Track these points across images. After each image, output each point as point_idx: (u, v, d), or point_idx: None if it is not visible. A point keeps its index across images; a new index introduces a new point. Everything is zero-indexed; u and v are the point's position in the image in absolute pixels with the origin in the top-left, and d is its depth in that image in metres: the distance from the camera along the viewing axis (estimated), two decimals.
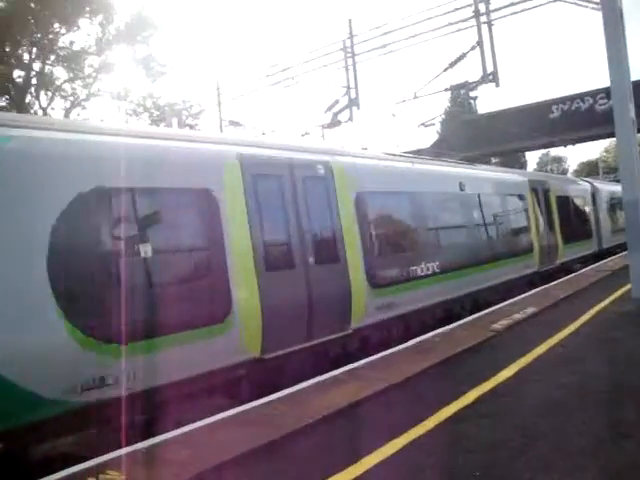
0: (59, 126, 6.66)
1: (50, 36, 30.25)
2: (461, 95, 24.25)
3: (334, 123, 20.18)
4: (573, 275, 17.09)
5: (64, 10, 28.39)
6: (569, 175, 67.96)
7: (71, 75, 32.59)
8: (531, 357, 7.86)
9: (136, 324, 6.13)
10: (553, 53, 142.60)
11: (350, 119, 19.87)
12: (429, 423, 5.60)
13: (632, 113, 11.97)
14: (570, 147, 33.10)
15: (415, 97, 19.41)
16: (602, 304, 11.41)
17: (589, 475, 4.33)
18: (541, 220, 17.35)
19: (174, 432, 5.68)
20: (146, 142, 7.14)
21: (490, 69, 16.92)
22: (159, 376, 6.35)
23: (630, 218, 11.82)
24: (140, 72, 34.20)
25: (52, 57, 31.22)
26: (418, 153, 20.63)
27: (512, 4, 16.95)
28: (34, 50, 30.37)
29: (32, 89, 31.10)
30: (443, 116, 50.12)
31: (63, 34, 31.05)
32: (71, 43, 31.54)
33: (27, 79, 30.51)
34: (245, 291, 7.49)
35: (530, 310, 11.25)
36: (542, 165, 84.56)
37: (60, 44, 31.27)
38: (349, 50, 19.72)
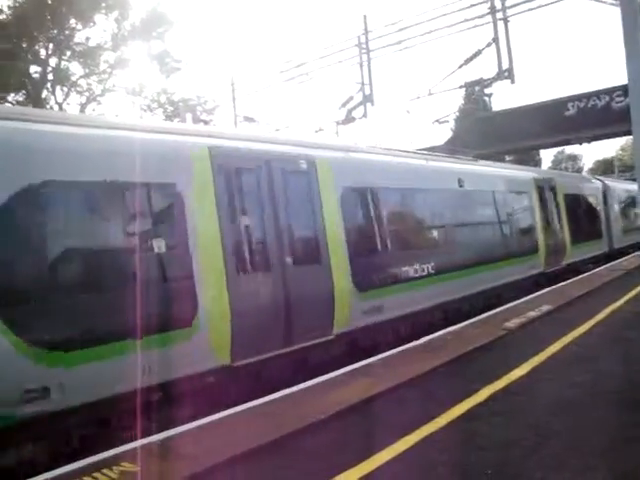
0: None
1: (66, 32, 30.52)
2: (476, 92, 24.06)
3: (348, 119, 20.21)
4: (587, 274, 16.93)
5: (80, 6, 28.57)
6: (584, 173, 67.36)
7: (87, 71, 32.88)
8: (544, 356, 7.81)
9: (84, 330, 5.76)
10: (569, 50, 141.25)
11: (364, 115, 19.91)
12: (441, 420, 5.59)
13: None
14: (585, 145, 32.75)
15: (430, 94, 19.42)
16: (617, 303, 11.32)
17: (601, 475, 4.31)
18: (547, 219, 16.80)
19: (187, 426, 5.72)
20: (95, 132, 6.59)
21: (505, 66, 16.86)
22: (111, 386, 5.91)
23: None
24: (155, 68, 34.47)
25: (68, 53, 31.51)
26: (432, 150, 20.50)
27: (528, 0, 16.84)
28: (50, 46, 30.67)
29: (48, 84, 31.39)
30: (457, 113, 49.85)
31: (79, 30, 31.36)
32: (87, 39, 31.89)
33: (43, 74, 30.81)
34: (213, 294, 6.98)
35: (545, 308, 11.18)
36: (557, 163, 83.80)
37: (76, 40, 31.57)
38: (364, 46, 19.74)
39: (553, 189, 17.68)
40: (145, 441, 5.36)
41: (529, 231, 15.73)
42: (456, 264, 11.82)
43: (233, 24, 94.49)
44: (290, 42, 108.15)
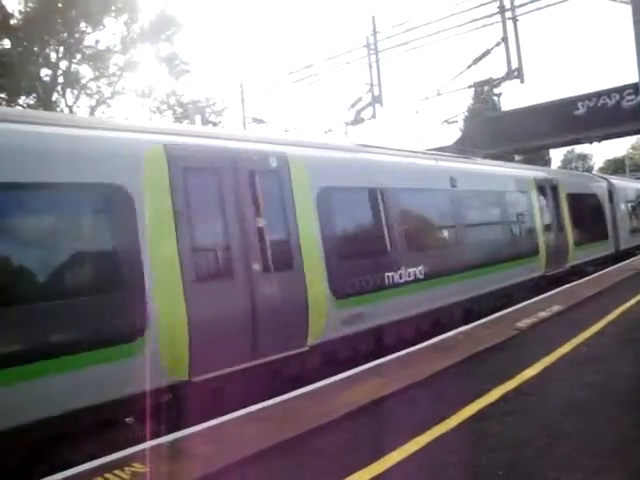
0: None
1: (76, 35, 30.74)
2: (485, 92, 24.02)
3: (357, 120, 20.22)
4: (598, 274, 16.80)
5: (90, 9, 28.78)
6: (594, 172, 66.99)
7: (96, 73, 33.11)
8: (555, 356, 7.78)
9: (11, 345, 5.28)
10: (579, 48, 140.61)
11: (373, 116, 19.89)
12: (452, 421, 5.59)
13: None
14: (596, 144, 32.61)
15: (438, 94, 19.38)
16: (627, 304, 11.25)
17: (614, 476, 4.30)
18: (548, 220, 16.10)
19: (198, 427, 5.75)
20: (25, 128, 5.92)
21: (515, 65, 16.80)
22: (44, 408, 5.39)
23: None
24: (164, 70, 34.64)
25: (78, 56, 31.73)
26: (441, 150, 20.49)
27: None
28: (61, 49, 30.88)
29: (59, 87, 31.62)
30: (466, 113, 49.76)
31: (89, 33, 31.59)
32: (96, 42, 32.11)
33: (54, 78, 31.04)
34: (167, 304, 6.38)
35: (555, 308, 11.14)
36: (567, 162, 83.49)
37: (86, 43, 31.79)
38: (372, 47, 19.72)
39: (555, 188, 17.06)
40: (157, 442, 5.39)
41: (528, 232, 15.01)
42: (448, 268, 11.13)
43: (242, 25, 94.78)
44: (299, 43, 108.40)
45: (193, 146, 7.33)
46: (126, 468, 4.82)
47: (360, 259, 9.25)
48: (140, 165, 6.54)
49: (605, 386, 6.42)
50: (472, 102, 52.97)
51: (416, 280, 10.11)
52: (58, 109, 30.31)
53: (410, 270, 10.00)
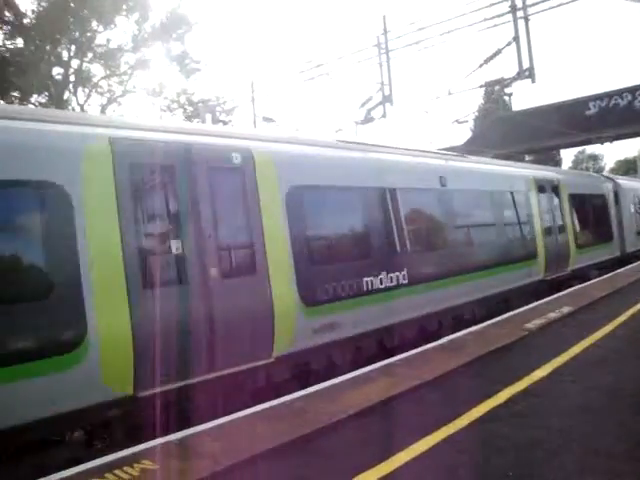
0: None
1: (88, 34, 30.84)
2: (496, 91, 23.92)
3: (368, 119, 20.19)
4: (609, 275, 16.69)
5: (101, 8, 28.91)
6: (605, 173, 66.53)
7: (107, 72, 33.22)
8: (565, 357, 7.75)
9: None
10: (591, 48, 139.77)
11: (384, 115, 19.86)
12: (461, 421, 5.57)
13: None
14: (607, 144, 32.44)
15: (449, 94, 19.32)
16: (638, 306, 11.18)
17: (624, 479, 4.27)
18: (548, 221, 15.40)
19: (206, 425, 5.75)
20: None
21: (526, 65, 16.72)
22: None
23: None
24: (174, 69, 34.71)
25: (90, 54, 31.84)
26: (451, 150, 20.43)
27: None
28: (72, 48, 31.02)
29: (70, 86, 31.77)
30: (477, 113, 49.67)
31: (100, 32, 31.66)
32: (108, 41, 32.16)
33: (65, 76, 31.18)
34: (109, 312, 5.86)
35: (566, 309, 11.09)
36: (577, 163, 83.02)
37: (97, 42, 31.91)
38: (383, 46, 19.70)
39: (556, 189, 16.42)
40: (166, 439, 5.40)
41: (526, 234, 14.28)
42: (435, 272, 10.48)
43: (253, 24, 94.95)
44: (310, 43, 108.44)
45: (144, 140, 6.70)
46: (135, 465, 4.84)
47: (335, 263, 8.64)
48: (78, 160, 5.98)
49: (615, 388, 6.39)
50: (483, 102, 52.92)
51: (398, 285, 9.44)
52: (70, 107, 30.49)
53: (392, 275, 9.34)
